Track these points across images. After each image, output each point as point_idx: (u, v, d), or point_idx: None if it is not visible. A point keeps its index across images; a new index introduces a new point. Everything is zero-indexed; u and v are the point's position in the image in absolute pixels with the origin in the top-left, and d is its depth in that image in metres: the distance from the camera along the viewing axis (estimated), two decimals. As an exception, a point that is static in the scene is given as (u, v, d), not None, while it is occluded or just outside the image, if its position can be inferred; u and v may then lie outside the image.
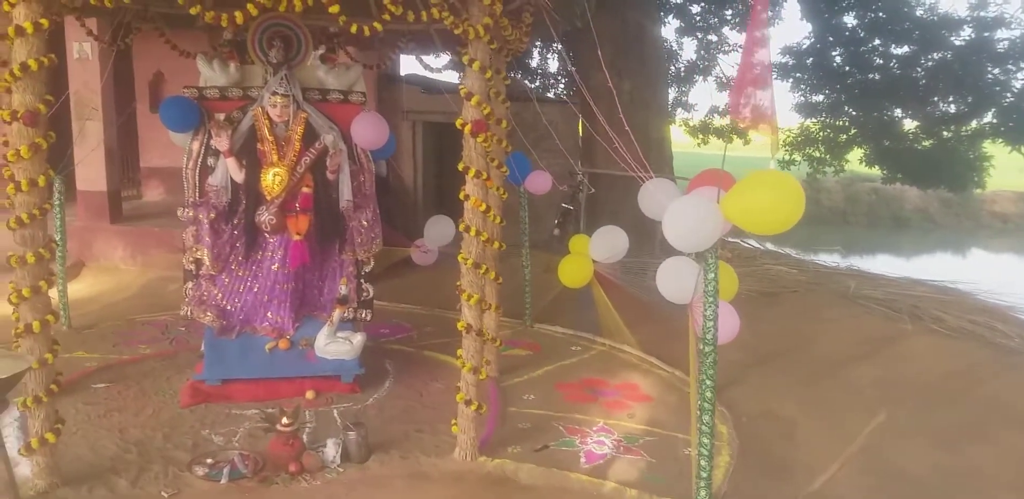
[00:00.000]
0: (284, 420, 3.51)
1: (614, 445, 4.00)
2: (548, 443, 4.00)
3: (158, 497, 3.25)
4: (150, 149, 9.62)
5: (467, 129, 3.57)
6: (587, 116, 8.04)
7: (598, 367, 5.42)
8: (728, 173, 3.27)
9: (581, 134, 10.10)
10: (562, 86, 14.35)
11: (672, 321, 5.63)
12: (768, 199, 2.92)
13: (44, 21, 2.95)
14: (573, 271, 5.28)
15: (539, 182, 6.05)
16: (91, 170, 7.64)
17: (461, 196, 3.68)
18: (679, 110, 14.59)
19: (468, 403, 3.67)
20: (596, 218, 9.18)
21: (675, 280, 3.34)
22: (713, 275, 3.05)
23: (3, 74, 3.04)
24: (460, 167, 3.66)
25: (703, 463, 3.14)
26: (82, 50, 7.41)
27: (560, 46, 13.03)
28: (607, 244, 5.17)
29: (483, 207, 3.65)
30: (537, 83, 14.22)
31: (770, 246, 9.44)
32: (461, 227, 3.69)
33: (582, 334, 6.12)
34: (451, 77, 13.69)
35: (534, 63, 14.42)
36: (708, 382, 3.09)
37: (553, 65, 14.53)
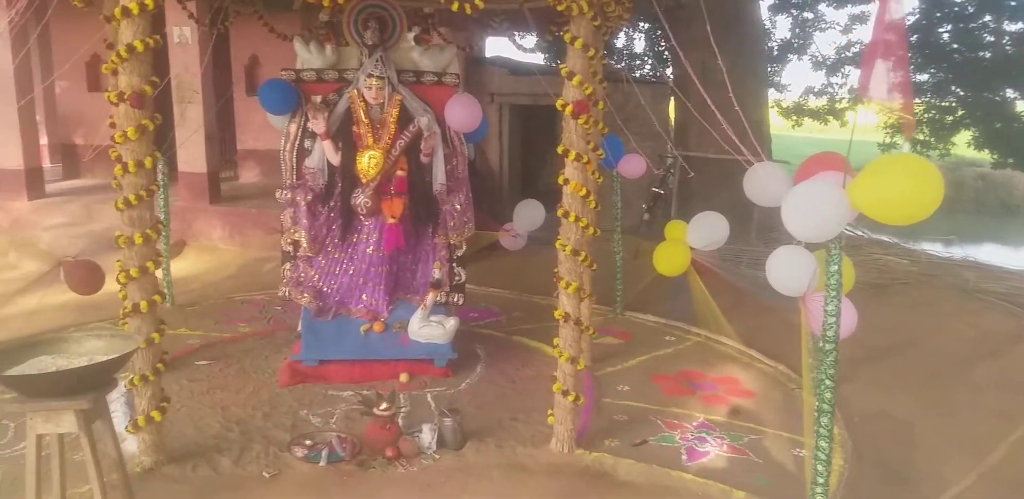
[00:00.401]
0: (382, 405, 3.49)
1: (717, 442, 3.83)
2: (647, 438, 3.86)
3: (260, 477, 3.28)
4: (246, 131, 9.86)
5: (568, 110, 3.43)
6: (683, 96, 7.75)
7: (695, 359, 5.23)
8: (844, 157, 3.02)
9: (673, 116, 9.77)
10: (648, 66, 13.93)
11: (773, 312, 5.39)
12: (903, 186, 2.67)
13: (149, 2, 2.96)
14: (670, 258, 5.08)
15: (633, 165, 5.83)
16: (191, 152, 7.87)
17: (559, 180, 3.55)
18: (771, 90, 13.95)
19: (566, 394, 3.56)
20: (687, 203, 8.88)
21: (788, 271, 3.12)
22: (836, 267, 2.83)
23: (109, 56, 3.07)
24: (559, 150, 3.53)
25: (819, 467, 2.93)
26: (182, 34, 7.61)
27: (656, 24, 12.65)
28: (706, 231, 4.94)
29: (583, 192, 3.50)
30: (622, 64, 13.86)
31: (876, 235, 8.93)
32: (559, 212, 3.56)
33: (675, 323, 5.92)
34: (537, 59, 13.48)
35: (619, 43, 14.05)
36: (828, 382, 2.87)
37: (640, 46, 14.14)
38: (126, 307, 3.14)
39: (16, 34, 7.16)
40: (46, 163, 10.31)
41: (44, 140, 10.47)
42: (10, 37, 7.33)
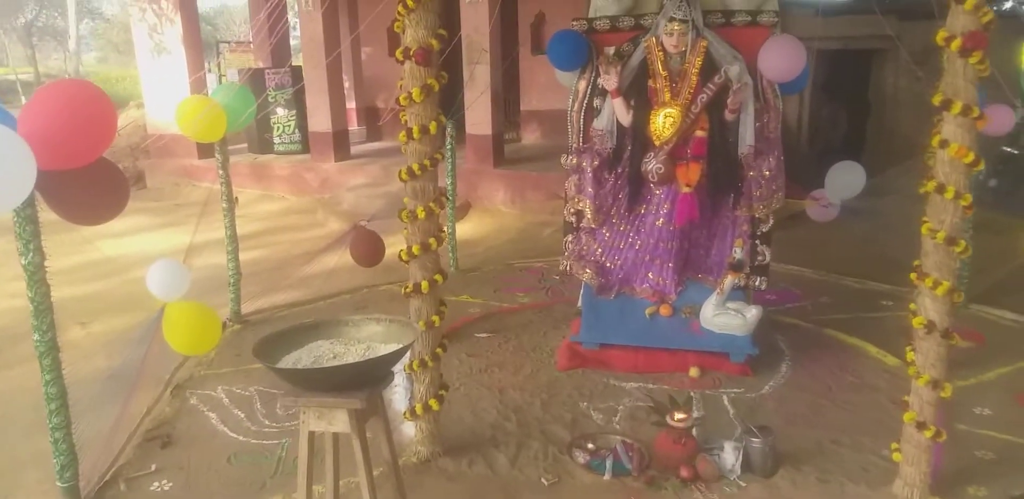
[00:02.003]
0: (678, 416, 2.95)
1: None
2: (1030, 489, 2.89)
3: (537, 483, 2.93)
4: (529, 92, 9.72)
5: (954, 45, 2.49)
6: None
7: (1082, 377, 3.97)
8: None
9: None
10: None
11: None
12: None
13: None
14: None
15: (1000, 118, 4.47)
16: (478, 114, 7.84)
17: (935, 142, 2.65)
18: None
19: (921, 426, 2.73)
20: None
21: None
22: None
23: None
24: (936, 100, 2.61)
25: None
26: (474, -6, 7.50)
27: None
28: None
29: (969, 158, 2.57)
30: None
31: None
32: (928, 186, 2.67)
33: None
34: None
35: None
36: None
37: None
38: (407, 286, 2.91)
39: (327, 2, 7.57)
40: (353, 126, 11.13)
41: (352, 104, 11.30)
42: (321, 5, 7.76)
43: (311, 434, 2.19)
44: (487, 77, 7.49)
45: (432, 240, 2.88)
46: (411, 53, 2.72)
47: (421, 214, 2.83)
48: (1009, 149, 7.43)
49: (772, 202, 4.13)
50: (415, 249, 2.87)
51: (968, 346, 4.35)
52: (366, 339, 2.41)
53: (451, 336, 4.47)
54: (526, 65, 9.63)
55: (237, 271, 4.81)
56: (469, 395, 3.76)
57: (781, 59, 3.85)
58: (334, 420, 2.15)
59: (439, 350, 3.01)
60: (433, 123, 2.79)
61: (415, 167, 2.80)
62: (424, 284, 2.89)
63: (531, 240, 6.98)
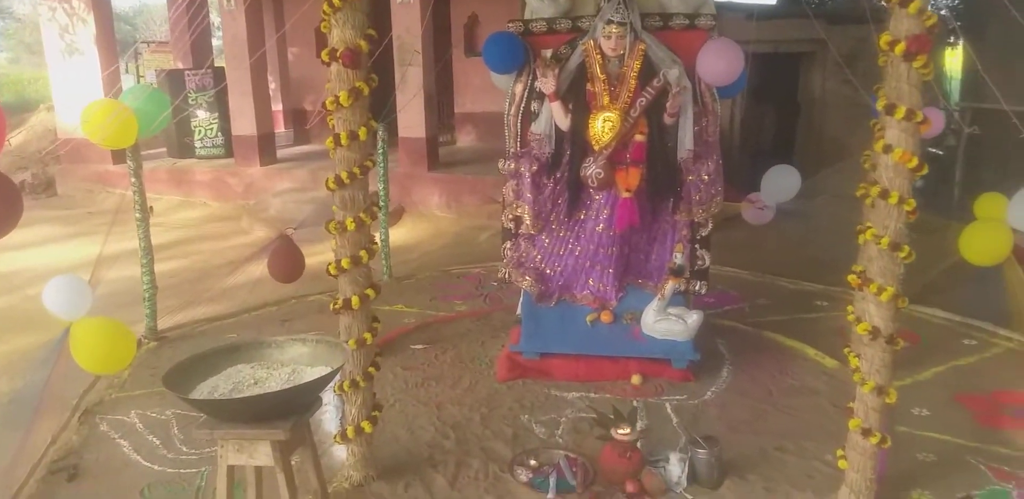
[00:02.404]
0: (622, 429, 2.85)
1: (1080, 510, 2.78)
2: (971, 492, 2.89)
3: (478, 505, 2.79)
4: (463, 94, 9.57)
5: (899, 49, 2.46)
6: (973, 33, 6.20)
7: (1010, 374, 4.06)
8: None
9: (962, 59, 8.06)
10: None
11: None
12: None
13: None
14: (984, 244, 3.89)
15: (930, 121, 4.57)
16: (411, 117, 7.64)
17: (878, 147, 2.62)
18: None
19: (867, 433, 2.69)
20: (976, 168, 7.29)
21: None
22: None
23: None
24: (880, 106, 2.59)
25: None
26: (405, -7, 7.31)
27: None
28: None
29: (912, 162, 2.55)
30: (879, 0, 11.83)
31: None
32: (873, 191, 2.64)
33: (975, 322, 4.72)
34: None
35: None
36: None
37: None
38: (336, 301, 2.73)
39: (249, 0, 7.26)
40: (280, 129, 10.76)
41: (278, 106, 10.93)
42: (243, 3, 7.45)
43: (230, 468, 1.99)
44: (420, 79, 7.31)
45: (363, 252, 2.71)
46: (338, 55, 2.54)
47: (351, 225, 2.66)
48: (934, 150, 7.67)
49: (711, 206, 4.10)
50: (344, 263, 2.69)
51: (904, 345, 4.41)
52: (291, 362, 2.23)
53: (385, 349, 4.28)
54: (460, 67, 9.48)
55: (152, 284, 4.51)
56: (404, 412, 3.59)
57: (719, 62, 3.81)
58: (255, 453, 1.97)
59: (371, 369, 2.83)
60: (363, 128, 2.63)
61: (343, 175, 2.62)
62: (355, 300, 2.71)
63: (468, 245, 6.83)
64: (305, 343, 2.26)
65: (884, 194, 2.62)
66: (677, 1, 3.98)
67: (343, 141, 2.61)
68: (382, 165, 5.56)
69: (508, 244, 4.31)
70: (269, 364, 2.19)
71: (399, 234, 7.04)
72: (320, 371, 2.08)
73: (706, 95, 4.00)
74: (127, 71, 11.46)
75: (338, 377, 2.69)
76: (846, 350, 4.07)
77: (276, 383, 2.06)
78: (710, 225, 4.19)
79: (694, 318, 3.96)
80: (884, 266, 2.68)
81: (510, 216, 4.25)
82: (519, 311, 4.32)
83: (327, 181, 2.64)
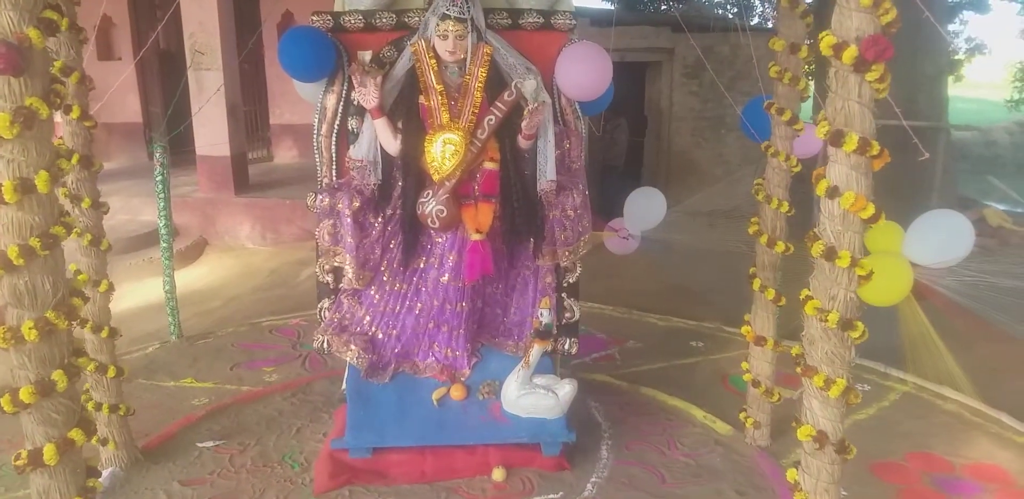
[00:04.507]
0: None
1: None
2: None
3: None
4: (280, 103, 8.36)
5: (847, 56, 1.77)
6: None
7: (915, 425, 3.62)
8: None
9: (812, 72, 7.93)
10: (764, 8, 11.84)
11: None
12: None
13: None
14: (886, 283, 3.39)
15: (810, 141, 4.03)
16: (212, 131, 6.38)
17: (820, 189, 1.92)
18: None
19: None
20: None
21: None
22: None
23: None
24: (820, 132, 1.88)
25: None
26: (195, -18, 6.05)
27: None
28: (939, 237, 3.28)
29: (869, 211, 1.88)
30: (726, 10, 11.80)
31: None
32: (816, 249, 1.94)
33: (864, 363, 4.28)
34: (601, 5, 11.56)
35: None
36: None
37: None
38: (20, 456, 1.64)
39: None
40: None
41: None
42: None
43: None
44: (220, 85, 6.07)
45: (58, 374, 1.64)
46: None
47: (31, 336, 1.58)
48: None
49: (579, 247, 3.33)
50: (25, 394, 1.61)
51: (792, 392, 3.87)
52: None
53: (159, 451, 3.17)
54: (275, 72, 8.25)
55: None
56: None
57: (584, 72, 3.06)
58: None
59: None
60: (43, 173, 1.57)
61: (12, 253, 1.55)
62: (49, 451, 1.64)
63: (285, 285, 5.71)
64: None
65: (830, 254, 1.92)
66: (529, -6, 3.17)
67: (8, 196, 1.53)
68: (162, 195, 4.35)
69: (326, 303, 3.32)
70: None
71: (197, 275, 5.78)
72: None
73: (568, 112, 3.25)
74: None
75: None
76: (742, 415, 3.45)
77: None
78: (578, 269, 3.43)
79: (567, 389, 3.16)
80: (832, 351, 1.99)
81: (327, 267, 3.27)
82: (344, 386, 3.36)
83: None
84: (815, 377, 1.98)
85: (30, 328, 1.58)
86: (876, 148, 1.83)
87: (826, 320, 1.94)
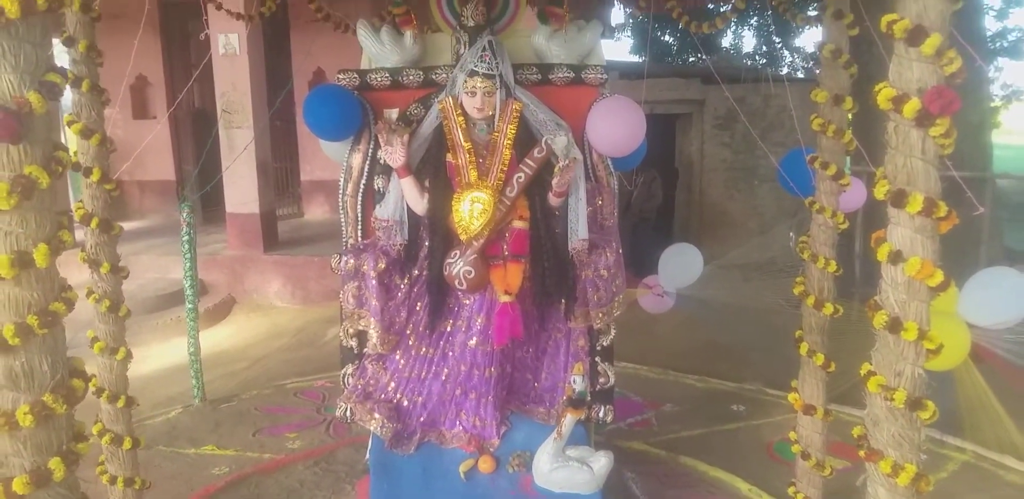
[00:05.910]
0: None
1: None
2: None
3: None
4: (311, 160, 8.41)
5: (909, 110, 1.62)
6: (860, 95, 5.81)
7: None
8: None
9: (850, 121, 7.81)
10: (792, 58, 11.81)
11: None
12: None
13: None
14: (944, 347, 3.16)
15: (855, 194, 3.78)
16: (241, 189, 6.39)
17: (881, 254, 1.75)
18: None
19: None
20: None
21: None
22: None
23: None
24: (880, 192, 1.73)
25: None
26: (228, 43, 6.15)
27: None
28: (996, 296, 3.07)
29: (937, 278, 1.70)
30: (756, 59, 11.76)
31: None
32: (878, 320, 1.76)
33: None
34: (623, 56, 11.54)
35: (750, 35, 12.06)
36: None
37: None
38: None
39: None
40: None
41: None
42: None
43: None
44: (248, 143, 6.10)
45: (57, 463, 1.51)
46: (-13, 114, 1.41)
47: (27, 422, 1.47)
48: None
49: (613, 307, 3.15)
50: (20, 485, 1.48)
51: (844, 464, 3.59)
52: None
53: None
54: (306, 129, 8.36)
55: None
56: None
57: (617, 127, 2.95)
58: None
59: None
60: (43, 246, 1.47)
61: (8, 333, 1.44)
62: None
63: (312, 345, 5.59)
64: None
65: (895, 325, 1.74)
66: (558, 49, 3.10)
67: (4, 271, 1.43)
68: (188, 254, 4.30)
69: (349, 368, 3.18)
70: None
71: (225, 335, 5.69)
72: None
73: (600, 168, 3.13)
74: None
75: None
76: (791, 490, 3.21)
77: None
78: (612, 331, 3.25)
79: (602, 463, 2.95)
80: (899, 432, 1.78)
81: (350, 331, 3.14)
82: (368, 457, 3.18)
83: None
84: (881, 462, 1.77)
85: (25, 413, 1.46)
86: (943, 209, 1.67)
87: (892, 399, 1.75)
